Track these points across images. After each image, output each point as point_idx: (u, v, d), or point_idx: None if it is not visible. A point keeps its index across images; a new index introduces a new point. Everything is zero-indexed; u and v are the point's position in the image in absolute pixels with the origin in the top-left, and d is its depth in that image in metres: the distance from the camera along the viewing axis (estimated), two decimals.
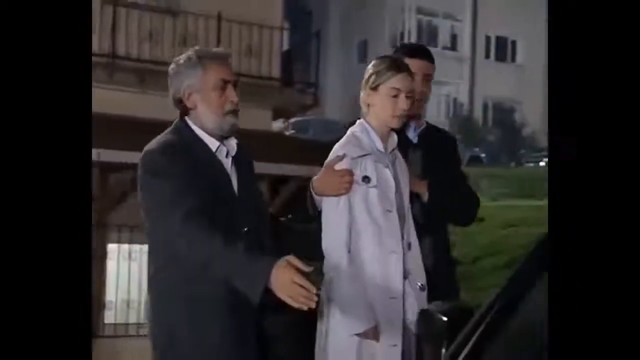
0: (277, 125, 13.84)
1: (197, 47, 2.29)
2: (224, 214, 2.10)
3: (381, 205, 2.31)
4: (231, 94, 2.19)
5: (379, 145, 2.39)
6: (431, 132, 2.79)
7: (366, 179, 2.32)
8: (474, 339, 1.36)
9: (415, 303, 2.33)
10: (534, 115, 24.49)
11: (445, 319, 1.53)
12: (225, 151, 2.22)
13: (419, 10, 26.47)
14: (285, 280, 1.88)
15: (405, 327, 2.30)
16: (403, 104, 2.39)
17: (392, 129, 2.45)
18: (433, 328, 1.59)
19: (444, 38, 26.34)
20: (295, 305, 1.88)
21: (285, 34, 9.56)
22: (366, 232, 2.30)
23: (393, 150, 2.46)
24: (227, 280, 1.99)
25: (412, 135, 2.73)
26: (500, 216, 11.35)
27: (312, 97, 10.66)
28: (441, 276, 2.53)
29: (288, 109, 10.93)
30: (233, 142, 2.25)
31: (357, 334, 2.23)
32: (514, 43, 27.38)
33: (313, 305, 1.89)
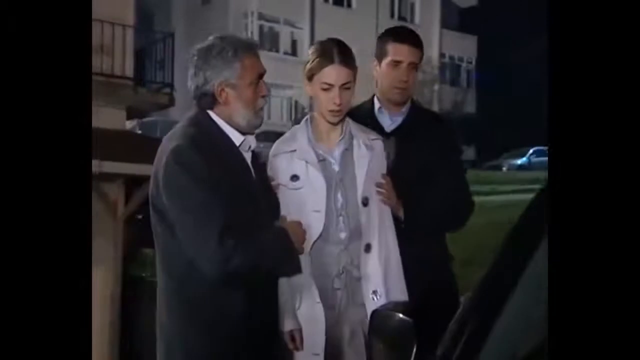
0: (132, 124, 13.35)
1: (225, 35, 2.03)
2: (248, 208, 1.98)
3: (309, 205, 2.12)
4: (263, 88, 2.03)
5: (311, 141, 2.17)
6: (416, 120, 2.49)
7: (295, 177, 2.15)
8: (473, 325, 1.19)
9: (358, 310, 2.15)
10: None
11: (410, 319, 1.37)
12: (247, 145, 2.07)
13: (261, 17, 26.60)
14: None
15: (332, 335, 2.13)
16: (337, 98, 2.12)
17: (331, 123, 2.20)
18: (395, 331, 1.42)
19: (285, 44, 26.71)
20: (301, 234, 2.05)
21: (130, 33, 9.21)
22: None
23: (346, 144, 2.21)
24: (270, 269, 2.03)
25: (388, 124, 2.48)
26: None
27: (168, 97, 10.42)
28: (434, 281, 2.30)
29: (143, 108, 10.64)
30: (252, 136, 2.10)
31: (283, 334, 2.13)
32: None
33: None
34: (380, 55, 2.48)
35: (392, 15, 29.34)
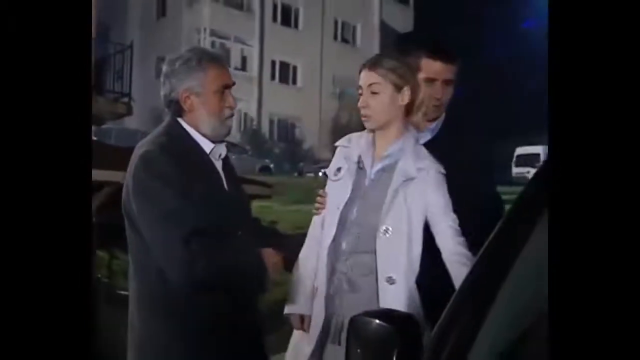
0: None
1: (194, 47, 2.16)
2: (218, 216, 1.94)
3: (335, 201, 2.03)
4: (229, 99, 1.99)
5: (369, 144, 2.07)
6: (447, 135, 2.24)
7: (338, 170, 2.07)
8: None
9: (355, 303, 1.89)
10: (312, 131, 26.56)
11: (390, 325, 1.18)
12: (217, 153, 2.03)
13: (213, 33, 27.06)
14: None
15: (330, 327, 1.98)
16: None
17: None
18: (373, 337, 1.20)
19: (235, 59, 27.12)
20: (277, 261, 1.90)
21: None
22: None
23: (389, 160, 2.04)
24: (236, 275, 1.92)
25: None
26: (289, 220, 12.02)
27: (125, 106, 10.68)
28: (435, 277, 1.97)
29: (101, 116, 10.74)
30: (223, 144, 2.05)
31: (287, 316, 2.06)
32: (294, 68, 29.29)
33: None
34: None
35: (335, 37, 30.25)
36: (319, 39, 29.16)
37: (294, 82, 29.25)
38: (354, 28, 30.98)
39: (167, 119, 2.04)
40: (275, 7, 28.74)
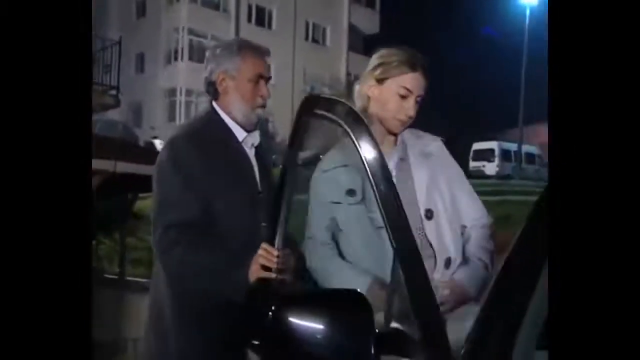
0: None
1: (239, 38, 2.20)
2: (247, 206, 1.89)
3: (372, 221, 1.73)
4: (263, 89, 1.98)
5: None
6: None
7: (351, 192, 1.78)
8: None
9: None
10: (284, 126, 26.78)
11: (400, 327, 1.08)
12: (250, 142, 1.99)
13: (191, 32, 26.95)
14: (253, 261, 1.69)
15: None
16: (411, 108, 1.81)
17: (393, 133, 1.85)
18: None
19: None
20: (255, 269, 1.67)
21: None
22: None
23: (400, 153, 1.85)
24: (210, 291, 1.82)
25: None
26: None
27: (113, 98, 10.78)
28: None
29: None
30: (257, 133, 2.01)
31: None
32: (268, 67, 29.34)
33: (273, 265, 1.62)
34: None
35: (306, 38, 30.41)
36: (291, 39, 29.30)
37: (268, 79, 29.30)
38: (324, 29, 31.09)
39: (206, 107, 2.03)
40: (250, 8, 28.80)
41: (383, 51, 1.87)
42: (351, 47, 31.25)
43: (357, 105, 1.87)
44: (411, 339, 1.00)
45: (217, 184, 1.88)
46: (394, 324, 1.13)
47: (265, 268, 1.66)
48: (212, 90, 1.99)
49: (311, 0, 29.92)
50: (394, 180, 1.43)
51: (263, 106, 1.99)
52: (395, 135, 1.88)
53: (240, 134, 1.98)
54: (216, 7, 28.14)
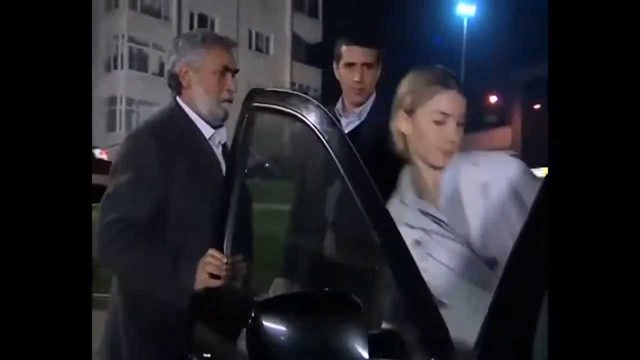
0: None
1: (202, 29, 2.02)
2: (209, 207, 1.70)
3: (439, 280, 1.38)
4: (229, 82, 1.87)
5: (418, 199, 1.50)
6: (374, 120, 2.10)
7: (417, 243, 1.42)
8: None
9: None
10: (230, 132, 26.42)
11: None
12: (217, 139, 1.87)
13: (131, 39, 26.30)
14: (200, 268, 1.59)
15: None
16: (453, 133, 1.48)
17: (438, 167, 1.50)
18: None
19: (153, 65, 26.45)
20: (203, 277, 1.57)
21: None
22: None
23: (451, 185, 1.48)
24: (149, 293, 1.69)
25: (345, 126, 2.13)
26: None
27: None
28: None
29: None
30: (224, 130, 1.90)
31: None
32: (234, 59, 28.91)
33: (221, 273, 1.55)
34: (337, 59, 2.26)
35: (249, 47, 30.25)
36: (246, 42, 29.13)
37: (235, 72, 28.91)
38: (267, 38, 31.02)
39: (169, 101, 1.91)
40: (192, 16, 28.41)
41: (409, 76, 1.56)
42: (294, 57, 31.36)
43: (397, 147, 1.56)
44: (404, 340, 0.95)
45: (177, 182, 1.75)
46: (385, 325, 1.05)
47: (213, 276, 1.58)
48: (175, 83, 1.89)
49: (254, 9, 29.86)
50: (447, 226, 1.34)
51: (230, 100, 1.89)
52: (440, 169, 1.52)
53: (206, 130, 1.87)
54: (157, 15, 27.62)
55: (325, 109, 1.21)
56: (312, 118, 1.23)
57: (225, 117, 1.90)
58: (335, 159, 1.10)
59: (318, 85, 31.85)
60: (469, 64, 24.96)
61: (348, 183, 1.07)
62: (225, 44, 1.92)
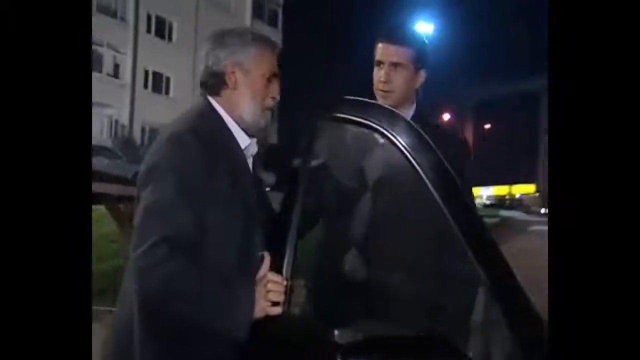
0: None
1: (246, 27, 1.81)
2: (241, 225, 1.56)
3: None
4: (276, 89, 1.70)
5: None
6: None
7: None
8: None
9: None
10: None
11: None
12: (251, 151, 1.69)
13: None
14: (260, 295, 1.47)
15: None
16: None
17: None
18: None
19: (107, 66, 25.96)
20: (264, 305, 1.46)
21: None
22: None
23: None
24: (200, 323, 1.47)
25: None
26: None
27: None
28: None
29: None
30: (254, 140, 1.70)
31: None
32: (168, 79, 28.66)
33: (281, 298, 1.46)
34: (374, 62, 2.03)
35: None
36: (192, 54, 28.83)
37: (167, 92, 28.59)
38: None
39: (198, 102, 1.68)
40: (149, 18, 28.00)
41: None
42: None
43: None
44: None
45: (216, 194, 1.52)
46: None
47: (273, 303, 1.47)
48: (216, 83, 1.66)
49: (213, 16, 29.66)
50: None
51: (272, 109, 1.71)
52: None
53: (242, 139, 1.66)
54: (113, 15, 27.07)
55: (417, 128, 1.17)
56: (402, 138, 1.24)
57: (264, 127, 1.70)
58: (431, 187, 1.08)
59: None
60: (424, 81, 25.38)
61: (447, 214, 1.06)
62: (275, 46, 1.73)
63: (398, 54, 1.96)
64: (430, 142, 1.28)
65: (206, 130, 1.58)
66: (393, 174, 1.58)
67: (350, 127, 1.47)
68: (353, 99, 1.53)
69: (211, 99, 1.68)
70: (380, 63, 1.98)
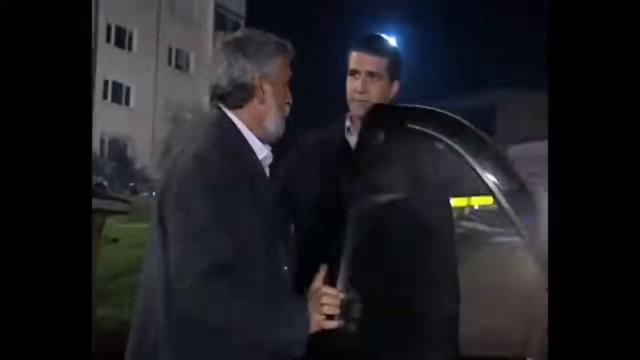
0: None
1: (255, 30, 1.67)
2: (267, 239, 1.52)
3: None
4: (289, 94, 1.65)
5: None
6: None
7: None
8: None
9: None
10: (144, 152, 25.54)
11: None
12: (268, 161, 1.63)
13: None
14: (314, 309, 1.45)
15: None
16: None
17: None
18: None
19: None
20: (319, 319, 1.44)
21: None
22: None
23: None
24: (252, 345, 1.44)
25: (354, 144, 1.91)
26: (130, 237, 11.47)
27: None
28: None
29: None
30: (270, 150, 1.64)
31: None
32: (128, 89, 28.12)
33: (336, 312, 1.44)
34: (347, 70, 2.01)
35: (169, 63, 29.62)
36: (154, 63, 28.38)
37: (127, 102, 28.06)
38: (188, 56, 30.52)
39: (212, 113, 1.59)
40: (109, 28, 27.41)
41: None
42: None
43: None
44: None
45: (244, 211, 1.46)
46: None
47: (328, 316, 1.46)
48: (239, 95, 1.57)
49: (175, 26, 29.27)
50: None
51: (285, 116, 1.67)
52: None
53: (260, 150, 1.60)
54: None
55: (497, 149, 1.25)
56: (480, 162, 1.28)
57: (280, 136, 1.65)
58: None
59: None
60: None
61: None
62: (288, 50, 1.66)
63: (374, 63, 1.95)
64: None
65: (230, 146, 1.53)
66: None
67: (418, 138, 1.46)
68: (424, 108, 1.52)
69: (227, 111, 1.60)
70: (355, 72, 1.96)
